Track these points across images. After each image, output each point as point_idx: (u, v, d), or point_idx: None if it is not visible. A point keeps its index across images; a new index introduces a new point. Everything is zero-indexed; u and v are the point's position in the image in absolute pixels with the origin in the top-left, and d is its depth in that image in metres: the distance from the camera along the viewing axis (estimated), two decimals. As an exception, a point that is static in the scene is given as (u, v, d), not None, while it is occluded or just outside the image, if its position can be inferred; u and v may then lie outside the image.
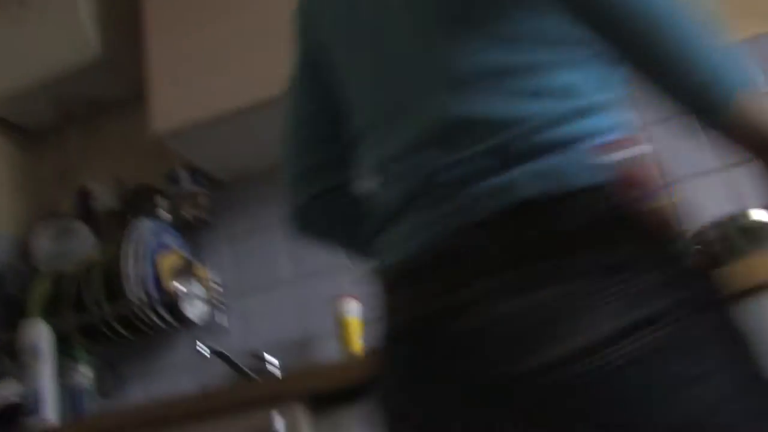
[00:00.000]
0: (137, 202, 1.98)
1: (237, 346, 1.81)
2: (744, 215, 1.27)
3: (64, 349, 1.80)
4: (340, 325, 1.73)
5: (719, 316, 0.66)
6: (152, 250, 1.83)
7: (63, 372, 1.79)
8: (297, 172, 0.93)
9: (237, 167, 1.98)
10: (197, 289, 1.87)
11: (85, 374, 1.84)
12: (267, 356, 1.76)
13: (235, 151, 1.90)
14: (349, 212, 0.92)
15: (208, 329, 1.89)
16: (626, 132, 0.71)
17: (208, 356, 1.75)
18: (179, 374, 1.87)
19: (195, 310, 1.86)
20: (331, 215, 0.95)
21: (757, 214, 1.26)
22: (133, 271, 1.79)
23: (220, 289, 1.93)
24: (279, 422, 1.21)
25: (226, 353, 1.76)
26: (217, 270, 1.96)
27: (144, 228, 1.86)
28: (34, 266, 2.00)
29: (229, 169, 1.99)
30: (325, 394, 1.25)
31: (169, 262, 1.86)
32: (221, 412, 1.26)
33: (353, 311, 1.74)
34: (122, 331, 1.81)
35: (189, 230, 1.96)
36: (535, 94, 0.69)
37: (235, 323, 1.93)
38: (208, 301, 1.90)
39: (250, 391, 1.28)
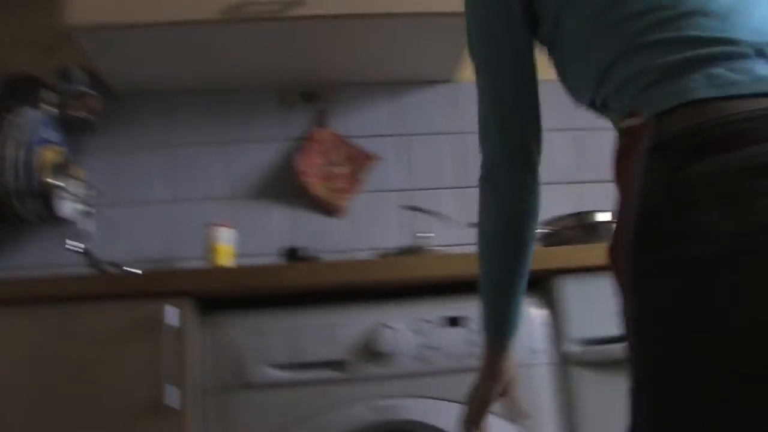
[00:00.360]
0: (20, 91, 1.92)
1: (99, 254, 1.83)
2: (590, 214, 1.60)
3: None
4: (210, 251, 1.82)
5: None
6: (32, 141, 1.80)
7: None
8: None
9: (135, 80, 2.00)
10: (71, 189, 1.86)
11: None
12: (127, 269, 1.79)
13: (139, 63, 1.91)
14: None
15: (74, 232, 1.89)
16: None
17: (80, 252, 1.76)
18: (42, 269, 1.86)
19: (66, 209, 1.84)
20: None
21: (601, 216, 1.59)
22: (9, 156, 1.75)
23: (93, 195, 1.93)
24: (172, 315, 1.29)
25: (96, 255, 1.78)
26: (93, 176, 1.96)
27: (27, 118, 1.82)
28: None
29: (127, 81, 2.00)
30: (214, 295, 1.35)
31: (47, 156, 1.83)
32: (111, 299, 1.31)
33: (225, 238, 1.84)
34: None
35: (73, 130, 1.94)
36: None
37: (100, 232, 1.94)
38: (80, 204, 1.89)
39: (140, 283, 1.33)
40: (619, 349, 1.06)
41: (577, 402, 1.38)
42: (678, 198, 0.66)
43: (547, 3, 0.93)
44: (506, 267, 1.06)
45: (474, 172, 1.90)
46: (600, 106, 0.87)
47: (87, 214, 1.92)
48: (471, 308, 1.35)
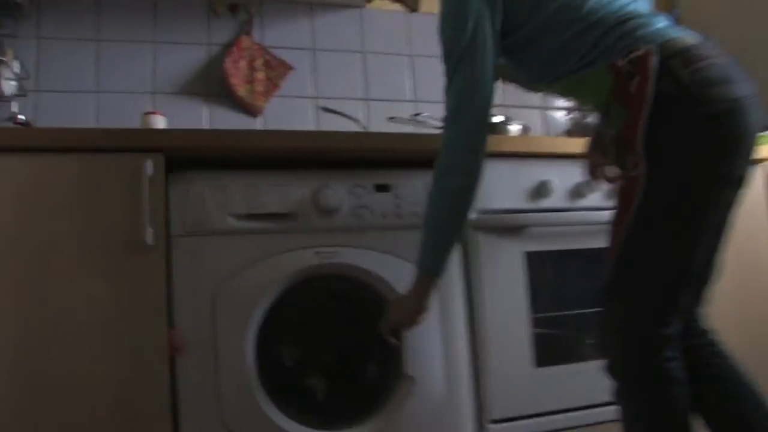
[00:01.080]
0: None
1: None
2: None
3: None
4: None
5: None
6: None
7: None
8: None
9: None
10: (4, 69, 1.94)
11: None
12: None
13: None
14: None
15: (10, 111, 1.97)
16: None
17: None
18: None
19: (3, 86, 1.93)
20: None
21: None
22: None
23: (24, 77, 2.02)
24: (151, 168, 1.49)
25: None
26: (25, 59, 2.04)
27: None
28: None
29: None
30: (185, 153, 1.56)
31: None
32: (90, 152, 1.48)
33: (160, 125, 2.02)
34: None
35: (3, 14, 2.01)
36: None
37: (29, 114, 2.03)
38: (14, 83, 1.98)
39: (121, 139, 1.51)
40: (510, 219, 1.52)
41: (480, 259, 1.75)
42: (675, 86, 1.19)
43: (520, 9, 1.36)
44: (460, 227, 1.46)
45: (374, 88, 2.25)
46: (583, 65, 1.30)
47: (20, 96, 2.00)
48: (394, 178, 1.68)
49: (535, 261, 1.78)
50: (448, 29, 1.39)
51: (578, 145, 1.83)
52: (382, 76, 2.46)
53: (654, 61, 1.19)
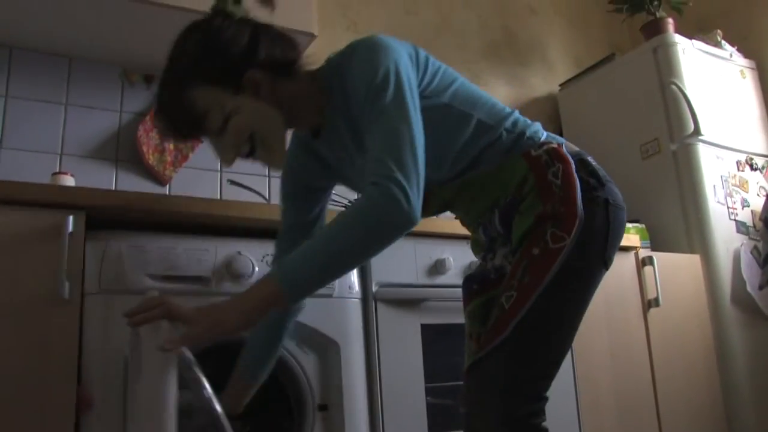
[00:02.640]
0: None
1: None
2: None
3: None
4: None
5: None
6: None
7: None
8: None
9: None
10: None
11: None
12: None
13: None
14: None
15: None
16: None
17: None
18: None
19: None
20: None
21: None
22: None
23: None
24: (72, 224, 1.52)
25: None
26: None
27: None
28: None
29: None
30: (107, 213, 1.60)
31: None
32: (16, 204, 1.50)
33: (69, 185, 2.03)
34: None
35: None
36: None
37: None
38: None
39: (44, 193, 1.54)
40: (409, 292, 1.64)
41: (379, 330, 1.86)
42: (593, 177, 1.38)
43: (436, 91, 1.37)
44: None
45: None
46: (497, 153, 1.38)
47: None
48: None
49: (430, 333, 1.92)
50: None
51: (472, 229, 2.02)
52: (287, 156, 2.59)
53: (567, 155, 1.36)
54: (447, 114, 1.37)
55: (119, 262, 1.58)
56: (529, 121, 1.45)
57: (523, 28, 3.50)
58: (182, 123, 1.34)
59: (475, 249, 1.58)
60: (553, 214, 1.30)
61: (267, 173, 2.54)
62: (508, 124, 1.41)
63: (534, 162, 1.36)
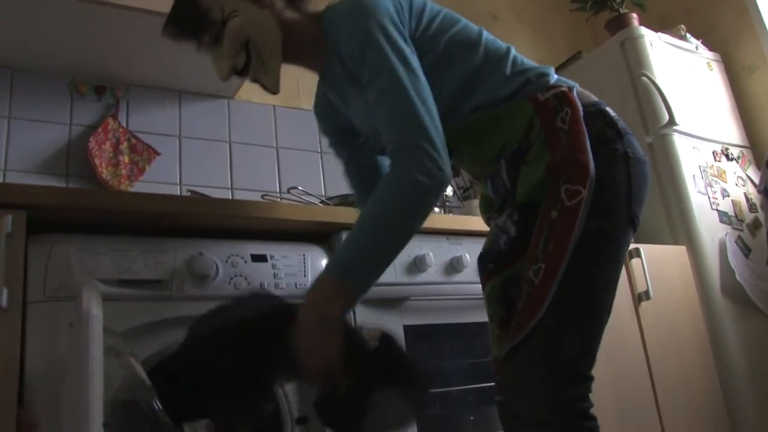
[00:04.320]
0: None
1: None
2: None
3: None
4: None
5: None
6: None
7: None
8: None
9: None
10: None
11: None
12: None
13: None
14: None
15: None
16: None
17: None
18: None
19: None
20: None
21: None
22: None
23: None
24: (10, 225, 1.37)
25: None
26: None
27: None
28: None
29: None
30: (50, 212, 1.45)
31: None
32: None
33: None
34: None
35: None
36: None
37: None
38: None
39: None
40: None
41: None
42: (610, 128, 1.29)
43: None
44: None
45: (240, 177, 2.26)
46: (501, 97, 1.31)
47: None
48: (271, 250, 1.65)
49: (414, 335, 1.78)
50: None
51: (451, 221, 1.90)
52: (249, 166, 2.46)
53: (576, 99, 1.28)
54: (443, 60, 1.32)
55: (66, 267, 1.42)
56: (535, 64, 1.37)
57: (486, 35, 3.44)
58: (186, 21, 1.35)
59: (484, 207, 1.48)
60: (563, 164, 1.21)
61: (230, 185, 2.39)
62: (507, 64, 1.33)
63: (541, 106, 1.28)
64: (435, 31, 1.33)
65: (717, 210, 2.73)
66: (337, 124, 1.59)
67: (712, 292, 2.53)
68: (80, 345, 1.04)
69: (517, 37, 3.59)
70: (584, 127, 1.24)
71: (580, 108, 1.27)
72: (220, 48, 1.36)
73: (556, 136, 1.25)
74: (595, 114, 1.29)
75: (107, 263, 1.46)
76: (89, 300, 1.09)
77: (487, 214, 1.46)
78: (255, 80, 1.39)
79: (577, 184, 1.19)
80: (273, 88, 1.39)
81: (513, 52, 1.38)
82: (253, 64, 1.35)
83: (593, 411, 1.18)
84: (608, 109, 1.33)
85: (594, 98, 1.34)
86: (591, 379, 1.20)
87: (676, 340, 2.36)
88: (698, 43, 3.16)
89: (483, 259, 1.44)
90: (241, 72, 1.37)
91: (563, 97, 1.28)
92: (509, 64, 1.34)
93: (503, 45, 1.39)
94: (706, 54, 3.18)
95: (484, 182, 1.43)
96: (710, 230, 2.64)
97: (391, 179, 1.16)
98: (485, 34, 1.39)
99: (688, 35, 3.14)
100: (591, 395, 1.20)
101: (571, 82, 1.35)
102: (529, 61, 1.38)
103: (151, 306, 1.49)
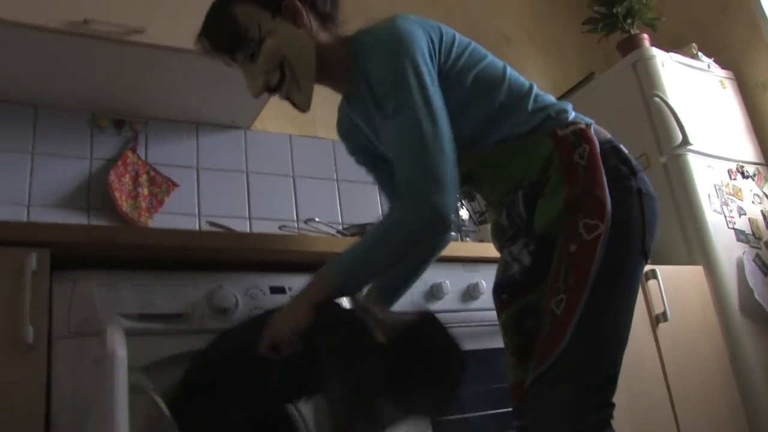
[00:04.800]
0: None
1: None
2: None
3: None
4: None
5: None
6: None
7: None
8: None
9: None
10: None
11: None
12: None
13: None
14: None
15: None
16: None
17: None
18: None
19: None
20: None
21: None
22: None
23: None
24: (35, 263, 1.40)
25: None
26: None
27: None
28: None
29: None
30: (73, 250, 1.48)
31: None
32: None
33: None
34: None
35: None
36: None
37: None
38: None
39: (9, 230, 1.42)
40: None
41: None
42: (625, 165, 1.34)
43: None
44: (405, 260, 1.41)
45: (258, 206, 2.29)
46: (522, 132, 1.37)
47: None
48: (288, 281, 1.67)
49: (432, 362, 1.79)
50: None
51: (467, 249, 1.92)
52: (266, 196, 2.49)
53: (594, 136, 1.34)
54: (469, 96, 1.38)
55: (90, 303, 1.45)
56: (555, 100, 1.42)
57: (499, 57, 3.45)
58: (223, 37, 1.39)
59: (496, 234, 1.53)
60: (582, 200, 1.27)
61: (248, 214, 2.43)
62: (529, 102, 1.39)
63: (560, 141, 1.34)
64: (462, 67, 1.38)
65: (734, 228, 2.72)
66: (361, 146, 1.61)
67: (731, 311, 2.52)
68: (106, 386, 1.07)
69: (530, 59, 3.62)
70: (601, 164, 1.29)
71: (598, 145, 1.32)
72: (254, 65, 1.39)
73: (574, 171, 1.30)
74: (610, 151, 1.35)
75: (129, 298, 1.49)
76: (113, 340, 1.12)
77: (499, 241, 1.51)
78: (287, 98, 1.43)
79: (595, 219, 1.25)
80: (304, 107, 1.43)
81: (535, 89, 1.43)
82: (286, 83, 1.39)
83: None
84: (621, 146, 1.38)
85: (608, 135, 1.39)
86: (613, 406, 1.25)
87: (695, 360, 2.35)
88: (710, 61, 3.17)
89: (498, 290, 1.47)
90: (274, 89, 1.41)
91: (581, 134, 1.34)
92: (531, 100, 1.39)
93: (526, 82, 1.44)
94: (718, 72, 3.18)
95: (498, 210, 1.47)
96: (727, 249, 2.63)
97: (395, 217, 1.27)
98: (509, 70, 1.44)
99: (700, 54, 3.16)
100: (612, 421, 1.24)
101: (588, 120, 1.40)
102: (549, 97, 1.43)
103: (172, 339, 1.51)
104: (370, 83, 1.36)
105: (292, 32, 1.38)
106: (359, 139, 1.59)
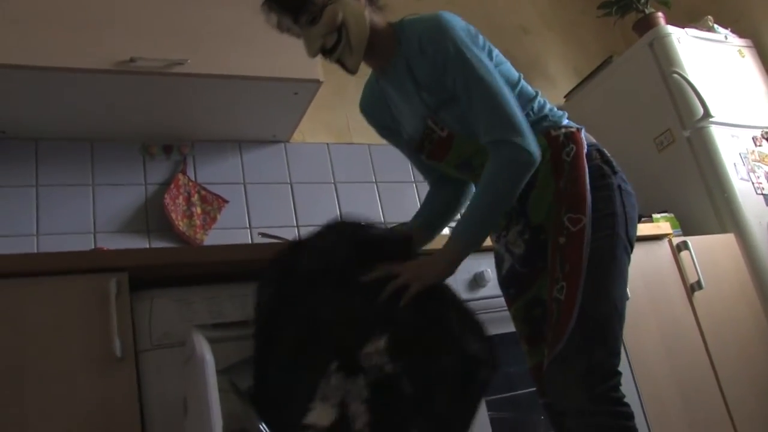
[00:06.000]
0: None
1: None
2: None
3: None
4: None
5: None
6: None
7: None
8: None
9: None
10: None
11: None
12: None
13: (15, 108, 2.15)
14: None
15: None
16: None
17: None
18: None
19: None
20: None
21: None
22: None
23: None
24: (117, 286, 1.56)
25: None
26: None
27: None
28: None
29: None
30: (149, 272, 1.64)
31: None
32: (58, 273, 1.55)
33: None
34: None
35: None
36: None
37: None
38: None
39: (86, 259, 1.59)
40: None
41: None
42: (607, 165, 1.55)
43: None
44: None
45: (303, 214, 2.42)
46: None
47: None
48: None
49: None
50: None
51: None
52: (310, 204, 2.64)
53: (583, 139, 1.55)
54: None
55: (167, 318, 1.61)
56: (554, 108, 1.62)
57: (519, 49, 3.57)
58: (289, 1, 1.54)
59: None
60: (564, 195, 1.48)
61: (295, 223, 2.58)
62: (534, 105, 1.60)
63: (553, 140, 1.55)
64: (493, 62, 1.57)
65: (762, 194, 2.79)
66: (383, 123, 1.81)
67: (765, 274, 2.60)
68: (199, 387, 1.21)
69: (550, 48, 3.71)
70: (585, 164, 1.51)
71: (585, 146, 1.54)
72: (313, 28, 1.55)
73: (561, 167, 1.53)
74: (595, 153, 1.57)
75: (201, 310, 1.65)
76: (200, 345, 1.26)
77: (496, 233, 1.70)
78: (338, 60, 1.60)
79: (577, 213, 1.46)
80: (354, 69, 1.60)
81: (539, 95, 1.63)
82: (341, 46, 1.56)
83: (626, 399, 1.43)
84: (605, 149, 1.60)
85: (594, 140, 1.61)
86: (620, 374, 1.44)
87: (734, 325, 2.43)
88: (727, 32, 3.23)
89: (504, 286, 1.69)
90: (329, 51, 1.58)
91: (571, 136, 1.56)
92: (536, 104, 1.60)
93: (533, 90, 1.63)
94: (736, 42, 3.24)
95: None
96: (757, 215, 2.71)
97: (496, 172, 1.46)
98: (521, 76, 1.64)
99: (716, 26, 3.22)
100: (621, 387, 1.44)
101: (578, 125, 1.60)
102: (550, 104, 1.63)
103: (242, 344, 1.66)
104: (410, 63, 1.58)
105: (351, 2, 1.56)
106: (381, 116, 1.79)
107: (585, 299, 1.41)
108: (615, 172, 1.55)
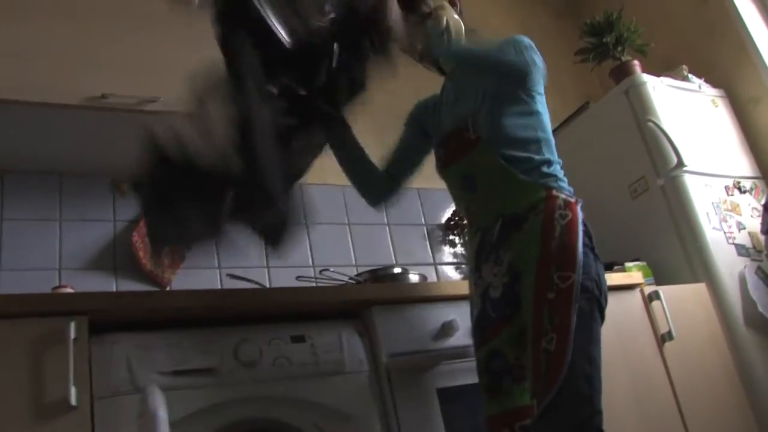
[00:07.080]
0: None
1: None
2: (389, 268, 2.13)
3: None
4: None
5: None
6: None
7: None
8: None
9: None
10: None
11: None
12: None
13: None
14: None
15: None
16: None
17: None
18: None
19: None
20: None
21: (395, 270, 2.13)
22: None
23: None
24: (74, 330, 1.52)
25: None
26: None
27: None
28: None
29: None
30: (108, 316, 1.60)
31: None
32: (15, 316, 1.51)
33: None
34: None
35: None
36: None
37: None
38: None
39: (45, 302, 1.55)
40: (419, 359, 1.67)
41: (395, 399, 1.83)
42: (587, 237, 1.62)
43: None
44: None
45: (273, 258, 2.37)
46: (529, 168, 1.67)
47: None
48: (307, 329, 1.78)
49: (448, 396, 1.89)
50: None
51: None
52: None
53: (579, 211, 1.63)
54: (529, 108, 1.73)
55: (127, 364, 1.57)
56: (566, 178, 1.72)
57: (496, 91, 3.57)
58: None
59: (468, 260, 1.83)
60: (556, 255, 1.54)
61: (266, 263, 2.54)
62: (554, 161, 1.71)
63: (551, 199, 1.62)
64: (540, 91, 1.78)
65: (734, 244, 2.81)
66: (421, 124, 1.98)
67: (736, 325, 2.60)
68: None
69: (526, 90, 3.72)
70: (580, 232, 1.57)
71: (580, 218, 1.61)
72: (420, 26, 1.79)
73: (551, 226, 1.57)
74: (583, 225, 1.62)
75: (162, 357, 1.61)
76: (155, 401, 1.23)
77: (474, 275, 1.74)
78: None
79: (567, 270, 1.52)
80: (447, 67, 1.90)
81: (556, 159, 1.74)
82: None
83: None
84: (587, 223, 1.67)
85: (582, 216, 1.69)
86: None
87: (704, 376, 2.43)
88: (701, 81, 3.28)
89: (475, 328, 1.73)
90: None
91: (569, 205, 1.62)
92: (555, 162, 1.71)
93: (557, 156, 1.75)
94: (709, 91, 3.29)
95: (473, 233, 1.76)
96: (728, 265, 2.72)
97: (503, 47, 1.70)
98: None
99: (690, 75, 3.26)
100: None
101: (577, 198, 1.68)
102: (561, 171, 1.72)
103: (204, 393, 1.62)
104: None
105: (453, 14, 1.84)
106: (425, 118, 1.97)
107: (576, 349, 1.46)
108: (593, 245, 1.63)
